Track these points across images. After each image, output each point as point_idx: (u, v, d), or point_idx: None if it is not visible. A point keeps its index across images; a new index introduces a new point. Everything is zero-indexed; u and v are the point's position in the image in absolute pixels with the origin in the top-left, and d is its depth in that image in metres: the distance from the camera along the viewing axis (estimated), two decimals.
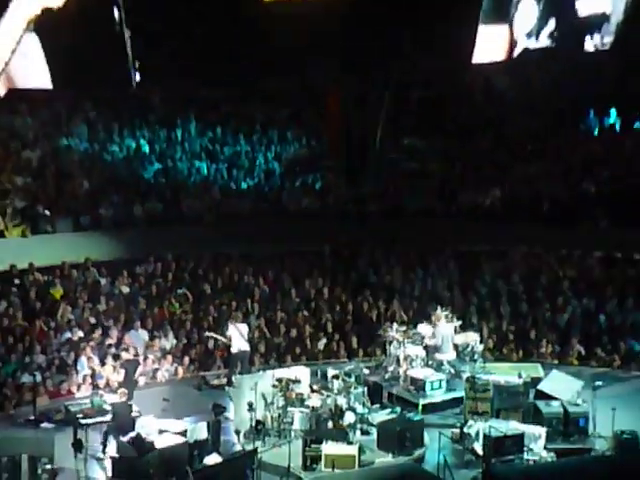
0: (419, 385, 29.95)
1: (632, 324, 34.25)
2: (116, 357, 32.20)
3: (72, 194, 37.63)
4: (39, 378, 31.83)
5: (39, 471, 26.89)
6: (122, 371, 31.21)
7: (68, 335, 32.94)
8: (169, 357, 33.19)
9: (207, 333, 33.03)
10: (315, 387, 29.49)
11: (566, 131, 42.60)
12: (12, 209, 36.19)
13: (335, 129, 44.47)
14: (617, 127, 41.63)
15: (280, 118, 44.78)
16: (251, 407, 28.65)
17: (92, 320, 33.58)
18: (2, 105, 38.66)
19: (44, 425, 29.29)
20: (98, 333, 33.12)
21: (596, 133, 43.74)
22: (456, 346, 31.15)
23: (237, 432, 28.38)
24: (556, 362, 31.61)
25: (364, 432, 28.70)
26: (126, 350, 32.36)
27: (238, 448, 27.57)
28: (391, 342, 31.00)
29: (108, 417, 28.09)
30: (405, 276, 35.39)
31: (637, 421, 27.68)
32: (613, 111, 42.79)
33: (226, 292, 35.54)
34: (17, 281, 35.18)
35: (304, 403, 28.68)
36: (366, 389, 29.87)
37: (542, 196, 39.04)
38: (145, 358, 32.52)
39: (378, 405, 29.88)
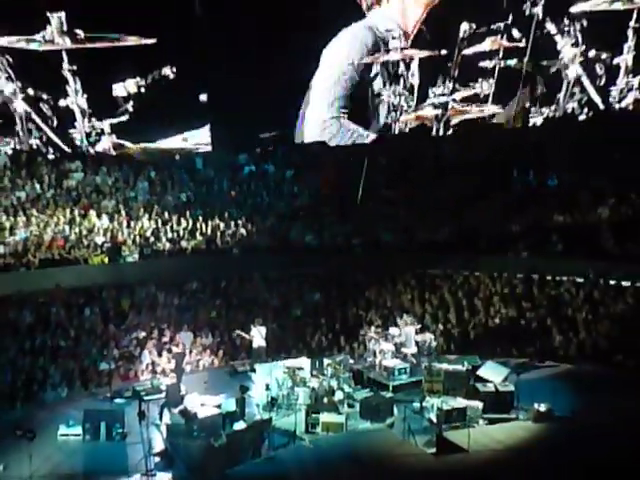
0: (390, 371, 30.07)
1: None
2: (169, 351, 32.50)
3: (138, 233, 37.76)
4: (113, 366, 32.15)
5: (114, 434, 27.19)
6: (173, 361, 31.55)
7: (134, 335, 33.02)
8: (208, 351, 33.38)
9: (236, 332, 33.10)
10: (314, 373, 29.70)
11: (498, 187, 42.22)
12: (94, 244, 36.31)
13: (330, 186, 43.58)
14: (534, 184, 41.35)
15: (288, 177, 44.69)
16: (267, 387, 28.99)
17: (152, 324, 33.62)
18: (88, 168, 38.91)
19: (117, 400, 29.61)
20: (156, 333, 33.20)
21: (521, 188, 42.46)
22: (417, 343, 31.30)
23: (257, 405, 28.48)
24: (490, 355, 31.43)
25: (350, 406, 28.80)
26: (176, 346, 32.76)
27: (258, 417, 27.70)
28: (369, 340, 31.10)
29: (163, 395, 28.51)
30: (379, 292, 35.26)
31: (550, 397, 27.78)
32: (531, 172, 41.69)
33: (249, 304, 35.53)
34: (97, 295, 34.96)
35: (306, 384, 28.91)
36: (351, 374, 30.14)
37: (481, 233, 38.99)
38: (190, 352, 32.70)
39: (360, 386, 30.03)
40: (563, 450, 25.30)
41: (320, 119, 37.49)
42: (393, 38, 34.02)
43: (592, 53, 32.16)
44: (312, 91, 36.97)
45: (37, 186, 38.14)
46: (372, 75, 35.85)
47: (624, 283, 34.40)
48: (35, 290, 34.89)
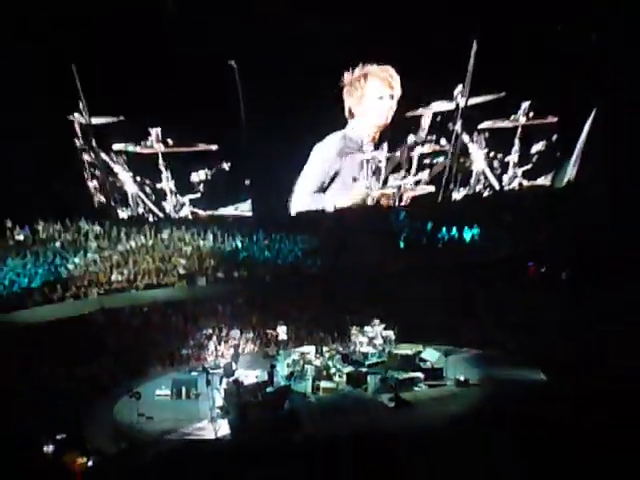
0: (365, 355, 29.98)
1: None
2: (226, 342, 32.59)
3: (205, 267, 37.86)
4: (190, 351, 32.33)
5: (190, 394, 27.48)
6: (229, 348, 31.75)
7: (204, 331, 33.14)
8: (250, 342, 33.42)
9: (268, 330, 33.15)
10: (317, 356, 29.74)
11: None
12: (178, 274, 36.47)
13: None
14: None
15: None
16: (288, 366, 29.16)
17: (214, 325, 33.72)
18: (174, 227, 39.01)
19: (193, 373, 29.47)
20: (217, 331, 33.27)
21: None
22: (383, 337, 30.94)
23: (282, 377, 28.65)
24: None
25: (340, 376, 28.76)
26: (230, 339, 32.88)
27: (283, 384, 27.91)
28: (353, 335, 31.04)
29: (222, 370, 28.57)
30: (360, 305, 35.08)
31: (468, 372, 28.12)
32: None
33: (275, 312, 35.45)
34: (180, 306, 35.20)
35: (312, 363, 28.97)
36: (341, 356, 30.19)
37: None
38: (239, 342, 32.75)
39: (346, 364, 29.82)
40: (474, 404, 25.55)
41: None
42: (364, 142, 33.55)
43: (492, 154, 32.20)
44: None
45: (142, 238, 38.31)
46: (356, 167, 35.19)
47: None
48: (141, 303, 34.95)
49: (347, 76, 31.00)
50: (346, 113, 32.90)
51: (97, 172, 30.66)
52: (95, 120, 29.19)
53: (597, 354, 28.09)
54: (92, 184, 31.29)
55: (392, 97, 32.47)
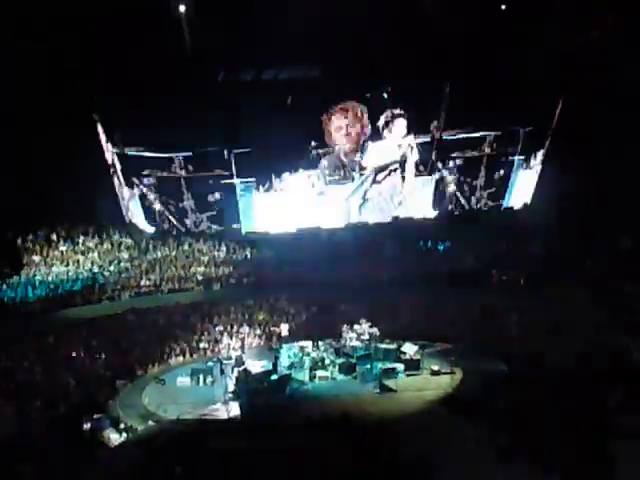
0: (354, 349, 30.11)
1: None
2: (237, 337, 32.83)
3: (220, 273, 37.93)
4: (207, 345, 32.61)
5: (207, 381, 27.85)
6: (239, 342, 32.00)
7: (218, 328, 33.48)
8: (257, 337, 33.67)
9: (273, 328, 33.37)
10: (313, 349, 30.06)
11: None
12: (197, 279, 36.46)
13: None
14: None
15: None
16: (289, 357, 29.48)
17: (227, 322, 33.92)
18: (194, 239, 39.24)
19: (208, 363, 29.79)
20: (229, 327, 33.48)
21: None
22: (369, 334, 30.98)
23: (284, 367, 28.96)
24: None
25: (333, 367, 29.18)
26: (242, 334, 33.14)
27: (285, 373, 28.21)
28: (344, 331, 31.06)
29: (233, 360, 28.91)
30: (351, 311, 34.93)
31: (437, 362, 28.46)
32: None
33: (279, 312, 35.62)
34: (197, 307, 35.52)
35: (309, 355, 29.37)
36: (334, 350, 30.37)
37: None
38: (247, 337, 32.98)
39: (338, 356, 30.03)
40: (446, 390, 25.90)
41: None
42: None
43: (462, 179, 32.05)
44: None
45: (166, 249, 38.56)
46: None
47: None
48: (165, 305, 35.35)
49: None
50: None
51: (128, 192, 30.62)
52: (128, 150, 29.23)
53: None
54: (124, 202, 31.37)
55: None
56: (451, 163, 32.09)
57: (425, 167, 31.57)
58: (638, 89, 29.54)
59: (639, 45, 28.31)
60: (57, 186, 32.36)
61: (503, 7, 27.75)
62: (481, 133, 31.85)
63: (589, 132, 32.25)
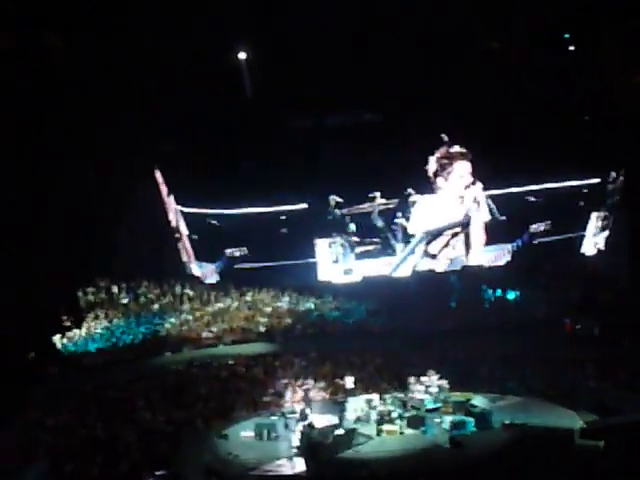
0: (422, 401, 29.69)
1: None
2: (301, 390, 32.14)
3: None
4: (270, 398, 32.30)
5: (271, 436, 27.91)
6: (303, 396, 31.57)
7: (282, 381, 33.20)
8: (322, 391, 33.02)
9: (337, 380, 32.88)
10: (380, 402, 29.44)
11: None
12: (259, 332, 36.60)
13: None
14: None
15: None
16: (355, 410, 28.92)
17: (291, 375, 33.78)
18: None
19: (273, 417, 29.50)
20: (293, 380, 33.26)
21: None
22: (437, 386, 30.39)
23: (349, 421, 28.55)
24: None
25: (401, 420, 28.49)
26: (306, 387, 32.36)
27: (351, 427, 27.86)
28: (411, 384, 30.54)
29: (298, 414, 28.67)
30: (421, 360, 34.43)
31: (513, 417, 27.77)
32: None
33: (344, 365, 35.13)
34: (261, 359, 35.23)
35: (376, 408, 28.81)
36: (401, 402, 29.60)
37: None
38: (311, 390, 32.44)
39: (406, 409, 29.39)
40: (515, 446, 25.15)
41: None
42: None
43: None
44: None
45: (228, 300, 38.82)
46: None
47: None
48: (227, 355, 35.41)
49: None
50: None
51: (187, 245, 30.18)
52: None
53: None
54: (184, 255, 31.26)
55: None
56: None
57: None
58: None
59: None
60: (119, 237, 32.76)
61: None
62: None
63: None
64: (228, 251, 27.67)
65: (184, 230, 27.37)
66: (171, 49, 24.90)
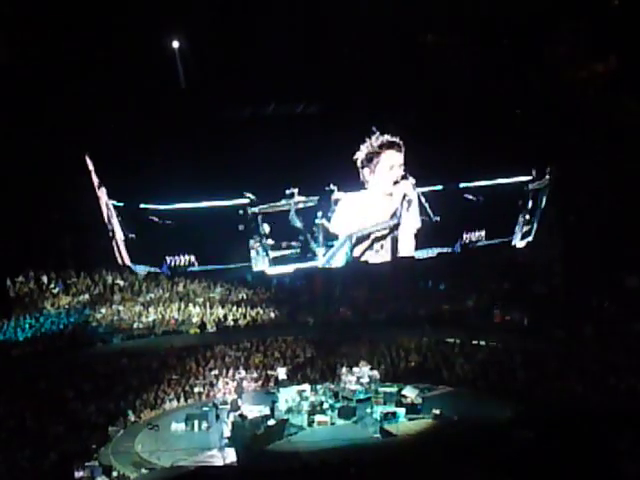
0: (354, 392, 29.70)
1: None
2: (233, 381, 32.46)
3: (215, 316, 37.95)
4: (202, 389, 32.31)
5: (202, 427, 27.68)
6: (234, 386, 31.68)
7: (213, 372, 33.20)
8: (254, 381, 33.08)
9: (269, 371, 33.02)
10: (312, 393, 29.68)
11: None
12: (191, 322, 36.62)
13: None
14: None
15: None
16: (286, 401, 28.92)
17: (222, 366, 33.72)
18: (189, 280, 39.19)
19: (204, 408, 29.40)
20: (224, 371, 33.23)
21: None
22: (369, 377, 30.61)
23: (280, 411, 28.53)
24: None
25: (332, 411, 28.93)
26: (238, 378, 32.66)
27: (282, 417, 28.00)
28: (343, 374, 30.76)
29: (229, 405, 28.65)
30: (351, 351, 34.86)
31: (442, 407, 28.38)
32: None
33: (276, 355, 35.31)
34: (192, 350, 35.03)
35: (307, 399, 29.00)
36: (333, 393, 30.03)
37: None
38: (244, 381, 32.56)
39: (337, 400, 29.78)
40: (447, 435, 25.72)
41: None
42: None
43: None
44: None
45: (160, 290, 38.64)
46: None
47: None
48: (159, 348, 35.10)
49: None
50: None
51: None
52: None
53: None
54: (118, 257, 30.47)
55: None
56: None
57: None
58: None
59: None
60: (48, 227, 32.30)
61: None
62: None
63: (589, 166, 32.19)
64: (169, 259, 24.68)
65: (118, 229, 25.12)
66: (105, 36, 24.30)
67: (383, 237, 21.62)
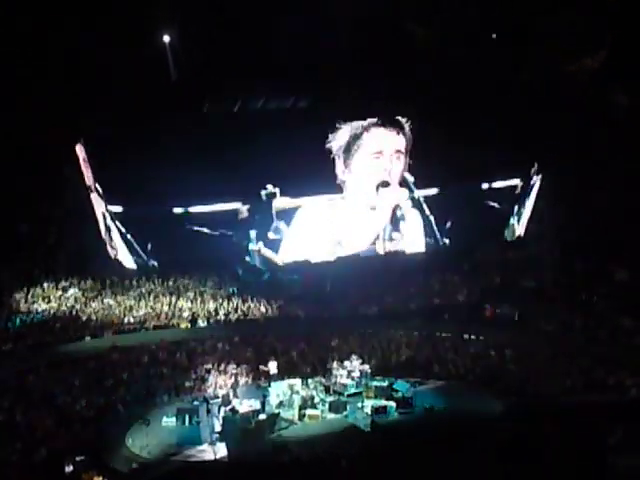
0: (345, 386, 29.98)
1: None
2: (224, 375, 32.57)
3: (206, 310, 37.99)
4: (193, 383, 32.37)
5: (192, 421, 27.67)
6: (227, 380, 31.77)
7: (204, 366, 33.12)
8: (245, 375, 33.15)
9: (260, 366, 33.01)
10: (303, 387, 29.93)
11: None
12: (182, 316, 36.60)
13: None
14: None
15: None
16: (277, 396, 29.27)
17: (213, 360, 33.70)
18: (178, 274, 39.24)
19: (194, 403, 29.29)
20: (216, 365, 33.24)
21: None
22: (360, 371, 30.84)
23: (271, 405, 28.74)
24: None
25: (323, 405, 29.01)
26: (228, 372, 32.85)
27: (273, 412, 28.04)
28: (334, 369, 30.96)
29: (220, 399, 28.68)
30: (344, 345, 35.01)
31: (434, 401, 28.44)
32: None
33: (267, 349, 35.19)
34: (184, 344, 35.13)
35: (298, 393, 29.19)
36: (323, 387, 30.23)
37: None
38: (236, 375, 32.65)
39: (328, 394, 29.94)
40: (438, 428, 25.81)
41: None
42: None
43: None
44: None
45: (152, 284, 38.60)
46: None
47: None
48: (150, 342, 35.05)
49: None
50: None
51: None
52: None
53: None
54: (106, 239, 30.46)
55: None
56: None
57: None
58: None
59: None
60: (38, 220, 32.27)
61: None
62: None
63: (578, 162, 32.24)
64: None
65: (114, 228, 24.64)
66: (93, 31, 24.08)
67: None
